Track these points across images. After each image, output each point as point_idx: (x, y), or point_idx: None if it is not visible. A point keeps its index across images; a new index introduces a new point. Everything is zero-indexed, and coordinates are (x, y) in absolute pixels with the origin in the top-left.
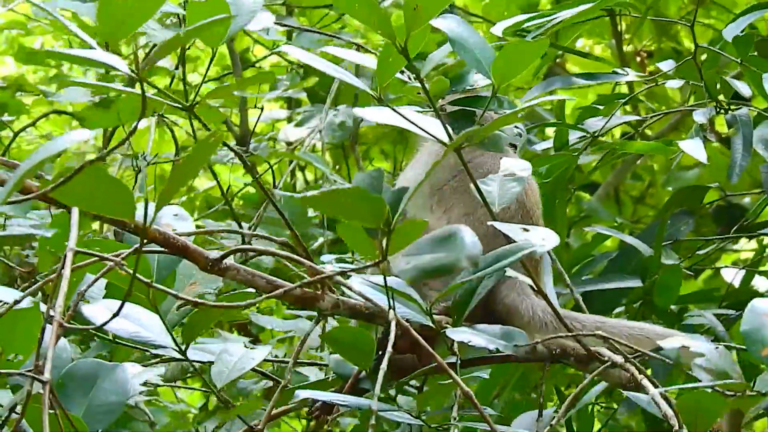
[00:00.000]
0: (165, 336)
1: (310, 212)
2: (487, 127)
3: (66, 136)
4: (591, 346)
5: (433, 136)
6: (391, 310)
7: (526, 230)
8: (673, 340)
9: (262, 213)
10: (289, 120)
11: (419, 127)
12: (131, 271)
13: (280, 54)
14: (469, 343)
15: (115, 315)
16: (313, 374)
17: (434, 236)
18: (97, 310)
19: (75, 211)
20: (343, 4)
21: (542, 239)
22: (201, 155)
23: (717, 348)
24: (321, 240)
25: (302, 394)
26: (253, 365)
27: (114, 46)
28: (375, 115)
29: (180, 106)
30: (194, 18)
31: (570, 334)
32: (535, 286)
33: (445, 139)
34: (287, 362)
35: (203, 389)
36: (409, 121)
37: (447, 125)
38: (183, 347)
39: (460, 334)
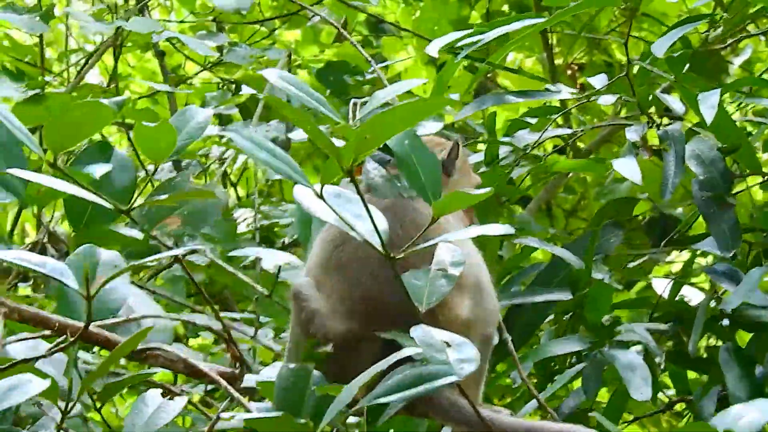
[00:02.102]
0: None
1: (241, 227)
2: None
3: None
4: None
5: (369, 243)
6: None
7: (448, 345)
8: None
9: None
10: (221, 136)
11: (355, 231)
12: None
13: (211, 70)
14: None
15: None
16: None
17: None
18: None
19: None
20: (300, 123)
21: (461, 363)
22: (130, 345)
23: None
24: (251, 258)
25: None
26: (169, 420)
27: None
28: (314, 207)
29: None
30: (141, 139)
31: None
32: (461, 394)
33: (378, 246)
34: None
35: None
36: (345, 222)
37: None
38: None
39: None
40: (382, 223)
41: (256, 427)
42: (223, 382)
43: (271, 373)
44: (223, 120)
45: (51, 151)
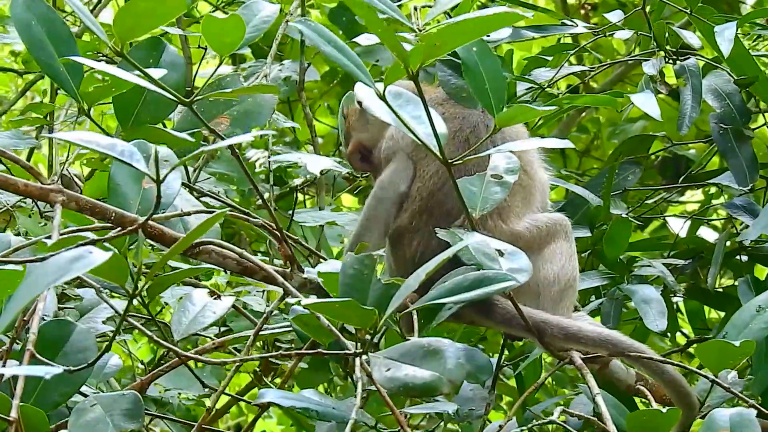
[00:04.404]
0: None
1: (256, 168)
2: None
3: None
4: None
5: (427, 147)
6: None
7: (501, 253)
8: None
9: (201, 165)
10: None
11: (414, 135)
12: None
13: (224, 10)
14: None
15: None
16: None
17: (420, 346)
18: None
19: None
20: (370, 24)
21: (517, 270)
22: (203, 229)
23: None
24: (267, 195)
25: (266, 396)
26: (215, 319)
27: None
28: (375, 106)
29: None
30: (209, 32)
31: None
32: (507, 297)
33: (436, 150)
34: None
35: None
36: (405, 124)
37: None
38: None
39: None
40: (441, 127)
41: (322, 312)
42: (279, 277)
43: (327, 268)
44: (237, 59)
45: (119, 39)
